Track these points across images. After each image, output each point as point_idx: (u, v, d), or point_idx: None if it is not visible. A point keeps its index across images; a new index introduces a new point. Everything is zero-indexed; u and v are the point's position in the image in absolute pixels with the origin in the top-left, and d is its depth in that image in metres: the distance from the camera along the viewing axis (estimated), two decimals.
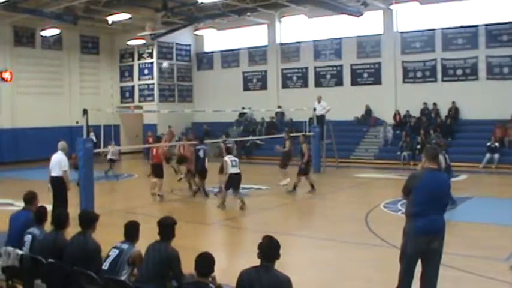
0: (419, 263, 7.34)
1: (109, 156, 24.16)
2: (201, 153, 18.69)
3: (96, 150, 17.03)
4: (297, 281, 5.96)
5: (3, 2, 24.72)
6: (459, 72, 29.24)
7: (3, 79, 32.44)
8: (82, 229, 7.36)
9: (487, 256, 10.61)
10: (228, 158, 16.26)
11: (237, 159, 16.55)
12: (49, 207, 9.30)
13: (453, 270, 9.31)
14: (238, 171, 16.15)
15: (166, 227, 6.89)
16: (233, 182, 16.09)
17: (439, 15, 29.79)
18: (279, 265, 5.76)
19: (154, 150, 19.47)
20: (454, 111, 29.12)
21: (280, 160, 21.15)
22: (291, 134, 22.73)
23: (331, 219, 15.13)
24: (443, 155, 15.54)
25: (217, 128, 34.11)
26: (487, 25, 28.31)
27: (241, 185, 20.21)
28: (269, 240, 5.85)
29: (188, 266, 6.26)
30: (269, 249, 5.74)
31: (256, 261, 5.73)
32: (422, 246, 7.15)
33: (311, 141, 24.99)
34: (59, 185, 14.07)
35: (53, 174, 14.18)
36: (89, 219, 7.49)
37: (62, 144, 14.44)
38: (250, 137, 32.04)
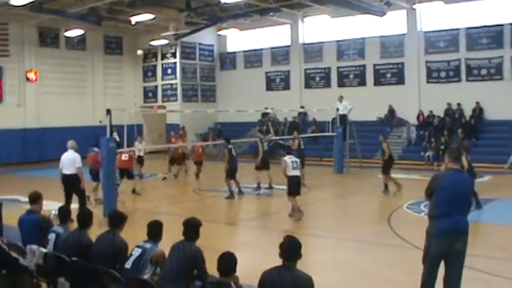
0: (442, 264, 7.30)
1: (137, 154, 23.93)
2: (234, 152, 18.78)
3: (119, 150, 17.12)
4: (319, 281, 5.95)
5: (29, 3, 24.95)
6: (483, 72, 28.98)
7: (28, 79, 32.79)
8: (110, 228, 7.45)
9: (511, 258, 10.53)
10: (288, 159, 14.83)
11: (298, 160, 15.18)
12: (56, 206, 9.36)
13: (476, 272, 9.23)
14: (298, 173, 14.97)
15: (192, 227, 6.94)
16: (295, 184, 14.87)
17: (463, 14, 29.52)
18: (300, 265, 5.76)
19: (200, 149, 20.01)
20: (479, 111, 28.88)
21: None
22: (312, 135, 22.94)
23: (353, 220, 15.08)
24: (465, 157, 15.47)
25: (239, 129, 34.19)
26: None
27: (263, 185, 20.37)
28: (290, 239, 5.86)
29: (210, 266, 6.29)
30: (291, 248, 5.75)
31: (278, 261, 5.74)
32: (446, 247, 7.11)
33: (334, 142, 25.03)
34: (74, 182, 14.33)
35: (67, 172, 14.39)
36: (118, 219, 7.59)
37: (71, 143, 14.78)
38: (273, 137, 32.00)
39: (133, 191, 19.39)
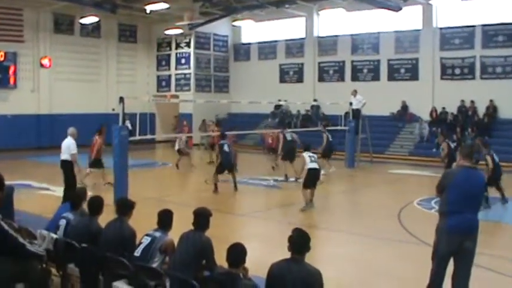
0: (451, 262, 7.28)
1: (177, 147, 23.94)
2: (225, 148, 18.10)
3: (131, 138, 17.16)
4: (328, 275, 5.96)
5: None
6: (498, 70, 28.81)
7: (42, 65, 32.93)
8: (118, 215, 7.47)
9: None
10: (305, 154, 15.25)
11: (315, 155, 15.64)
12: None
13: (486, 270, 9.21)
14: (317, 166, 15.26)
15: (202, 217, 6.94)
16: (312, 177, 15.25)
17: (479, 11, 29.34)
18: (309, 258, 5.77)
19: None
20: (492, 109, 28.73)
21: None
22: (327, 128, 23.01)
23: (363, 215, 15.06)
24: (490, 155, 15.48)
25: (253, 120, 34.19)
26: None
27: (275, 177, 20.39)
28: (299, 232, 5.86)
29: (220, 256, 6.30)
30: (299, 241, 5.75)
31: (287, 254, 5.74)
32: (455, 245, 7.08)
33: (346, 136, 25.04)
34: (65, 168, 14.85)
35: (62, 157, 14.90)
36: (126, 206, 7.61)
37: (71, 130, 15.22)
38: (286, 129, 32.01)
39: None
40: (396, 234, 12.45)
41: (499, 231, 13.30)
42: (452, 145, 20.44)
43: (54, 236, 7.75)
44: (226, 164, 18.02)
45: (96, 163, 18.83)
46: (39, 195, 16.92)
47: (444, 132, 23.14)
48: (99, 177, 18.73)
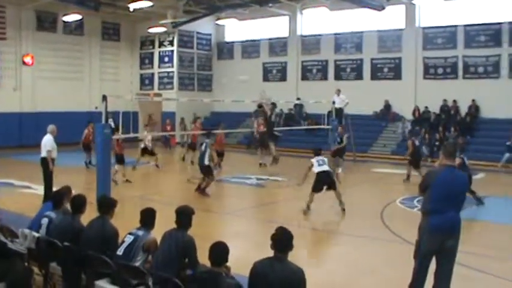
0: (433, 260, 7.32)
1: (142, 145, 23.56)
2: (203, 147, 17.54)
3: (114, 137, 17.11)
4: (311, 273, 5.97)
5: None
6: (480, 69, 29.01)
7: (24, 63, 32.67)
8: (100, 214, 7.44)
9: (502, 256, 10.57)
10: (314, 160, 15.02)
11: (325, 159, 15.23)
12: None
13: (467, 269, 9.28)
14: (325, 168, 14.85)
15: (184, 216, 6.93)
16: (322, 180, 14.82)
17: (462, 11, 29.53)
18: (292, 257, 5.78)
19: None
20: (474, 109, 28.92)
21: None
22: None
23: (346, 213, 15.09)
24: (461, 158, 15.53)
25: (235, 119, 34.14)
26: (510, 23, 27.99)
27: (258, 176, 20.40)
28: (282, 231, 5.87)
29: (202, 255, 6.29)
30: (282, 240, 5.76)
31: (270, 252, 5.75)
32: (437, 243, 7.13)
33: (329, 135, 25.08)
34: (43, 165, 14.94)
35: (41, 155, 14.99)
36: (108, 205, 7.58)
37: (50, 127, 15.30)
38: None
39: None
40: (379, 233, 12.51)
41: (480, 230, 13.39)
42: (418, 143, 21.07)
43: (36, 234, 7.71)
44: (198, 163, 17.59)
45: (120, 159, 19.17)
46: (20, 194, 16.83)
47: (412, 131, 23.47)
48: (120, 173, 19.00)
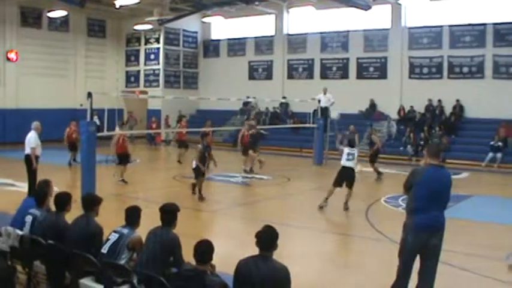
0: (418, 258, 7.35)
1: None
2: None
3: (99, 134, 17.05)
4: (296, 271, 5.97)
5: None
6: (465, 70, 29.20)
7: (8, 59, 32.41)
8: (85, 211, 7.38)
9: (486, 255, 10.61)
10: (346, 149, 14.94)
11: (354, 154, 14.92)
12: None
13: (451, 267, 9.33)
14: (350, 165, 14.74)
15: (169, 213, 6.89)
16: (343, 176, 14.73)
17: (447, 12, 29.71)
18: (277, 255, 5.78)
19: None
20: (459, 108, 29.09)
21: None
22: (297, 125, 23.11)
23: (331, 212, 15.12)
24: None
25: (221, 116, 34.12)
26: (495, 24, 28.21)
27: (243, 174, 20.40)
28: (267, 229, 5.86)
29: (187, 253, 6.28)
30: (267, 238, 5.75)
31: (255, 250, 5.75)
32: (422, 241, 7.16)
33: (314, 133, 25.13)
34: (27, 162, 14.92)
35: (25, 152, 14.95)
36: (92, 202, 7.51)
37: (35, 124, 15.27)
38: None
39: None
40: (363, 231, 12.55)
41: (465, 228, 13.46)
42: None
43: (20, 232, 7.65)
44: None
45: (125, 158, 19.04)
46: (4, 192, 16.68)
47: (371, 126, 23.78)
48: (119, 171, 18.87)
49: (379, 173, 20.96)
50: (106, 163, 21.40)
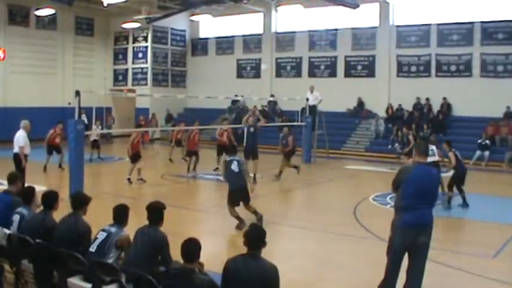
0: (406, 256, 7.38)
1: (92, 138, 23.72)
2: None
3: (87, 133, 17.02)
4: (284, 269, 5.98)
5: None
6: (453, 68, 29.32)
7: None
8: (73, 210, 7.36)
9: (474, 252, 10.66)
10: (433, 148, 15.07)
11: (435, 150, 15.42)
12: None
13: (440, 265, 9.35)
14: (434, 159, 14.75)
15: (156, 211, 6.89)
16: None
17: (435, 10, 29.80)
18: (266, 254, 5.77)
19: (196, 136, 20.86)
20: (446, 107, 29.20)
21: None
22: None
23: (319, 210, 15.15)
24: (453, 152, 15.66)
25: (209, 115, 34.07)
26: (482, 22, 28.35)
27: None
28: (255, 228, 5.87)
29: (175, 252, 6.27)
30: (255, 237, 5.74)
31: (243, 249, 5.75)
32: (410, 239, 7.18)
33: (303, 132, 25.15)
34: (15, 161, 14.90)
35: (14, 150, 14.98)
36: (81, 201, 7.49)
37: (23, 122, 15.27)
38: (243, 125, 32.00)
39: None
40: (352, 229, 12.56)
41: (454, 227, 13.51)
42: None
43: (7, 231, 7.62)
44: None
45: (138, 157, 18.95)
46: None
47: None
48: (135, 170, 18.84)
49: (295, 167, 20.41)
50: (90, 162, 21.38)
